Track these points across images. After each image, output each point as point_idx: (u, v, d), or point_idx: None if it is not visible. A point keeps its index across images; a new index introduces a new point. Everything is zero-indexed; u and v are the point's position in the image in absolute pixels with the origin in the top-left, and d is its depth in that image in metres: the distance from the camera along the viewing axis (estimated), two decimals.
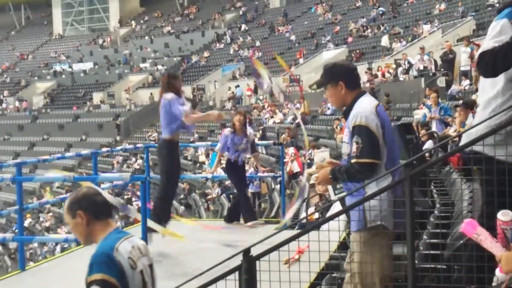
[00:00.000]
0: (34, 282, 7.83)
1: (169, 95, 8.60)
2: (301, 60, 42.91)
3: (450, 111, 16.07)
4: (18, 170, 8.66)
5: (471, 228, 3.47)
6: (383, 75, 30.84)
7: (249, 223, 10.35)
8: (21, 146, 51.81)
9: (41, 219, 36.64)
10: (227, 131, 10.73)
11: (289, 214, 7.79)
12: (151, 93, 48.99)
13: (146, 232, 7.08)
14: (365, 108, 4.68)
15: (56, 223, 35.17)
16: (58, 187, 40.42)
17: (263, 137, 29.00)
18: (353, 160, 4.62)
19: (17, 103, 57.95)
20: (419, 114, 17.96)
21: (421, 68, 26.76)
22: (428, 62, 26.37)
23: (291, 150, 22.82)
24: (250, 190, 23.24)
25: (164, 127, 8.77)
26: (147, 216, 7.51)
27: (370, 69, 32.81)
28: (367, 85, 28.95)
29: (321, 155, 4.79)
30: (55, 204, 34.73)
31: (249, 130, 11.06)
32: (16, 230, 24.62)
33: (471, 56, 21.76)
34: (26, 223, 30.45)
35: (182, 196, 29.36)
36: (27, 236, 20.28)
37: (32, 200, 34.27)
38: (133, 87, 53.64)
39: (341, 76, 4.83)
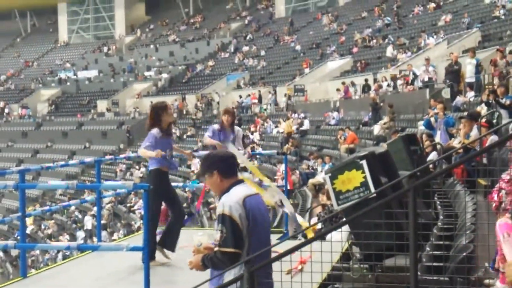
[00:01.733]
0: None
1: (154, 131, 8.53)
2: (306, 70, 42.94)
3: (454, 122, 16.05)
4: (21, 177, 8.65)
5: (506, 228, 3.42)
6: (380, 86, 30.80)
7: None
8: (24, 153, 51.82)
9: (43, 226, 36.63)
10: (216, 126, 10.28)
11: None
12: (151, 102, 49.04)
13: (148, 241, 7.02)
14: (231, 198, 4.71)
15: (58, 231, 35.15)
16: (61, 194, 40.44)
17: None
18: (216, 249, 4.68)
19: (20, 110, 58.03)
20: (423, 125, 17.94)
21: (426, 79, 26.74)
22: (433, 74, 26.34)
23: (282, 168, 22.65)
24: None
25: (150, 159, 8.63)
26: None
27: (375, 79, 32.82)
28: (372, 95, 28.93)
29: (198, 239, 4.85)
30: (58, 211, 34.78)
31: (238, 128, 10.58)
32: (18, 237, 24.62)
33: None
34: (28, 230, 30.45)
35: (185, 204, 29.34)
36: (29, 243, 20.29)
37: (34, 207, 34.24)
38: (137, 95, 53.75)
39: (215, 166, 4.87)
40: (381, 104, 27.48)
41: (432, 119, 16.81)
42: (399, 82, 29.42)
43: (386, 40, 39.45)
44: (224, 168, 4.86)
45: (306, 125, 32.41)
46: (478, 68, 22.80)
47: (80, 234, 31.71)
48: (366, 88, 32.21)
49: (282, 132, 32.02)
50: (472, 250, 5.85)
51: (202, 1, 67.79)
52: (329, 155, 24.81)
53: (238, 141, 10.27)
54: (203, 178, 5.12)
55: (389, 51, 36.35)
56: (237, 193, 4.74)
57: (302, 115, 33.88)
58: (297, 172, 24.92)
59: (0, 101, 60.15)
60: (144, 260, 6.72)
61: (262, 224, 4.81)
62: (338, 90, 34.38)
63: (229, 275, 4.61)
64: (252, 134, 35.28)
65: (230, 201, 4.66)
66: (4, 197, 44.66)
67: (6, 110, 58.98)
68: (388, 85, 30.34)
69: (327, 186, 6.68)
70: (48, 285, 8.00)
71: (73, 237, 31.61)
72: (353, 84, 34.03)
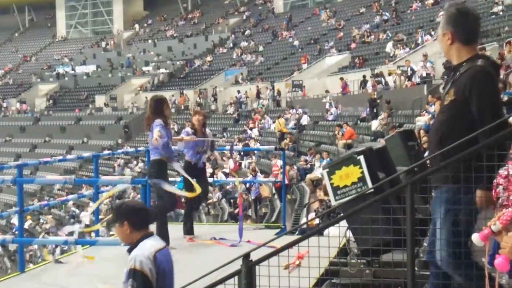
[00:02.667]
0: (33, 284, 7.83)
1: (159, 121, 8.75)
2: (304, 66, 42.92)
3: None
4: (19, 172, 8.67)
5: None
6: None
7: (187, 237, 9.93)
8: (22, 147, 51.78)
9: (41, 221, 36.61)
10: (189, 129, 10.05)
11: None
12: (146, 97, 49.03)
13: None
14: (143, 252, 4.68)
15: (56, 225, 35.12)
16: (59, 189, 40.44)
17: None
18: None
19: (18, 105, 57.96)
20: (421, 121, 17.95)
21: (424, 75, 26.73)
22: (431, 69, 26.34)
23: (279, 162, 22.63)
24: (252, 196, 23.24)
25: (152, 149, 8.90)
26: None
27: (374, 75, 32.79)
28: (370, 90, 28.94)
29: None
30: (56, 206, 34.78)
31: (209, 132, 10.50)
32: (16, 232, 24.61)
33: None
34: (26, 225, 30.44)
35: (183, 200, 29.33)
36: (27, 238, 20.27)
37: (32, 202, 34.24)
38: (136, 90, 53.74)
39: (126, 216, 4.81)
40: (378, 100, 27.50)
41: (429, 118, 16.82)
42: (396, 78, 29.39)
43: (385, 36, 39.43)
44: (134, 220, 4.79)
45: (305, 120, 32.41)
46: None
47: (84, 219, 31.89)
48: (363, 84, 32.20)
49: (279, 131, 32.07)
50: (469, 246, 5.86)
51: None
52: (327, 151, 24.82)
53: (208, 144, 10.18)
54: (114, 226, 5.07)
55: (389, 47, 36.31)
56: (147, 247, 4.71)
57: (300, 110, 33.89)
58: (295, 167, 24.96)
59: None
60: None
61: (170, 275, 4.82)
62: (327, 91, 34.46)
63: None
64: (251, 130, 35.28)
65: (142, 256, 4.63)
66: (2, 192, 44.62)
67: (4, 104, 58.94)
68: (386, 83, 30.28)
69: (325, 181, 6.70)
70: (46, 280, 8.02)
71: (70, 232, 31.59)
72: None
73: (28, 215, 33.06)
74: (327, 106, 32.17)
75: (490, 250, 3.61)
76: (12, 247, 30.42)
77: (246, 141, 31.10)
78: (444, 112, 4.64)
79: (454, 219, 4.38)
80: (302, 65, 43.36)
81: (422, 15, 40.41)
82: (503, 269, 3.33)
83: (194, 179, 9.43)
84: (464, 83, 4.47)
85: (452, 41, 4.61)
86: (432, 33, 34.48)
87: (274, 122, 34.05)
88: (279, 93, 39.91)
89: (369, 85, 30.77)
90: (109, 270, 7.69)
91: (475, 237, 3.53)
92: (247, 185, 23.39)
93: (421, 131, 14.39)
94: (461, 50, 4.64)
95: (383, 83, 30.02)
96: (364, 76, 32.73)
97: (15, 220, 32.66)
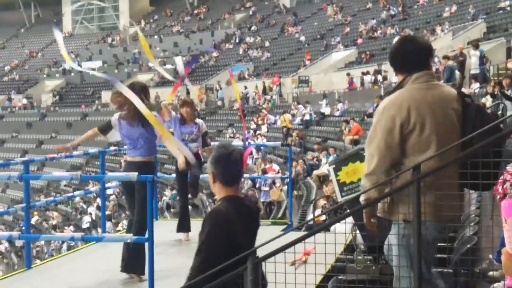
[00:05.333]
0: (40, 280, 7.83)
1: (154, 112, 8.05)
2: (307, 62, 42.85)
3: None
4: (26, 168, 8.66)
5: (509, 211, 3.37)
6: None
7: (181, 235, 9.57)
8: (29, 143, 51.91)
9: (48, 217, 36.70)
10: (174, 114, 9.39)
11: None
12: (156, 92, 49.01)
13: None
14: None
15: (63, 221, 35.21)
16: (65, 185, 40.49)
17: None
18: None
19: (24, 101, 58.01)
20: None
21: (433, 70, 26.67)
22: (439, 65, 26.25)
23: (275, 166, 22.57)
24: (262, 199, 23.11)
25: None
26: (154, 216, 7.49)
27: (379, 71, 32.74)
28: (376, 87, 28.89)
29: None
30: (63, 202, 34.82)
31: (201, 121, 9.86)
32: (23, 228, 24.68)
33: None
34: (33, 221, 30.51)
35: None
36: (34, 234, 20.33)
37: (39, 198, 34.30)
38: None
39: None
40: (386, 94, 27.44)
41: None
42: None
43: (392, 31, 39.34)
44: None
45: (311, 115, 32.36)
46: (483, 59, 22.75)
47: (86, 219, 31.94)
48: (372, 79, 32.18)
49: (284, 126, 32.04)
50: (476, 242, 5.85)
51: None
52: (334, 147, 24.78)
53: (198, 134, 9.54)
54: None
55: None
56: None
57: (309, 108, 33.84)
58: (301, 162, 24.93)
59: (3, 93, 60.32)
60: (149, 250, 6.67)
61: None
62: (325, 95, 34.36)
63: None
64: (258, 126, 35.23)
65: None
66: (9, 188, 44.75)
67: (13, 96, 58.94)
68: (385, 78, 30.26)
69: (331, 177, 6.68)
70: (53, 276, 8.02)
71: (77, 228, 31.68)
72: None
73: (35, 211, 33.13)
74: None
75: (497, 246, 3.60)
76: (19, 243, 30.50)
77: (254, 137, 31.02)
78: None
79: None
80: (306, 61, 43.30)
81: (429, 10, 40.32)
82: None
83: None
84: None
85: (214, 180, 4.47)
86: (439, 28, 34.45)
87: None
88: (270, 89, 39.54)
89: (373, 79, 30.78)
90: (115, 266, 7.69)
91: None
92: (256, 183, 23.40)
93: None
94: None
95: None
96: (367, 72, 32.69)
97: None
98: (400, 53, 4.69)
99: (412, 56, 4.61)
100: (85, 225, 31.39)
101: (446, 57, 22.99)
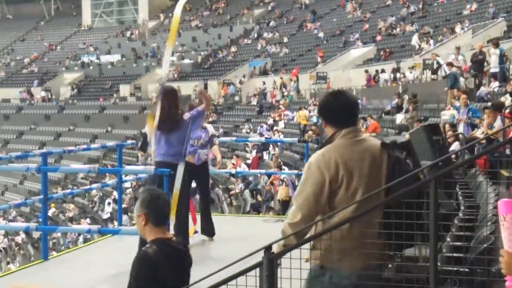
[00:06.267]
0: (56, 272, 7.88)
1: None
2: (319, 59, 42.82)
3: (478, 113, 15.93)
4: (44, 160, 8.71)
5: (507, 208, 3.34)
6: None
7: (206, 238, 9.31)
8: (47, 136, 52.16)
9: (64, 209, 36.88)
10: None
11: None
12: (177, 86, 49.15)
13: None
14: None
15: (79, 214, 35.38)
16: (82, 178, 40.68)
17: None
18: None
19: (43, 93, 58.28)
20: (446, 115, 17.83)
21: (454, 69, 26.49)
22: (462, 63, 25.99)
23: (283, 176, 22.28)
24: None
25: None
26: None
27: (398, 68, 32.61)
28: (394, 84, 28.80)
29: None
30: (79, 194, 34.99)
31: (209, 125, 9.72)
32: (40, 220, 24.81)
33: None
34: (50, 213, 30.66)
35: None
36: (51, 226, 20.43)
37: (56, 190, 34.48)
38: (160, 80, 53.84)
39: None
40: (404, 93, 27.34)
41: (455, 114, 16.71)
42: (417, 71, 29.19)
43: (411, 28, 39.15)
44: None
45: None
46: (503, 58, 22.60)
47: (107, 209, 32.16)
48: (391, 76, 32.06)
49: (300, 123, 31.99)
50: (493, 242, 5.81)
51: None
52: None
53: (207, 139, 9.27)
54: None
55: (414, 40, 36.04)
56: None
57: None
58: None
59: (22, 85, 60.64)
60: None
61: None
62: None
63: None
64: (275, 122, 35.17)
65: None
66: (27, 180, 45.01)
67: (32, 89, 59.21)
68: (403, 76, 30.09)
69: None
70: (69, 268, 8.07)
71: (94, 220, 31.82)
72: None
73: (52, 203, 33.30)
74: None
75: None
76: (36, 234, 30.68)
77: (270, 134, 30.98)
78: None
79: None
80: (318, 58, 43.22)
81: (449, 7, 40.08)
82: None
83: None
84: None
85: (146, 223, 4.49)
86: (460, 26, 34.23)
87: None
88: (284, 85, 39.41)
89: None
90: (131, 259, 7.71)
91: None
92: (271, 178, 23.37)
93: (446, 126, 14.30)
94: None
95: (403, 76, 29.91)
96: (382, 70, 32.58)
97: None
98: (331, 108, 4.75)
99: (342, 111, 4.67)
100: (105, 216, 31.65)
101: (450, 64, 23.16)
